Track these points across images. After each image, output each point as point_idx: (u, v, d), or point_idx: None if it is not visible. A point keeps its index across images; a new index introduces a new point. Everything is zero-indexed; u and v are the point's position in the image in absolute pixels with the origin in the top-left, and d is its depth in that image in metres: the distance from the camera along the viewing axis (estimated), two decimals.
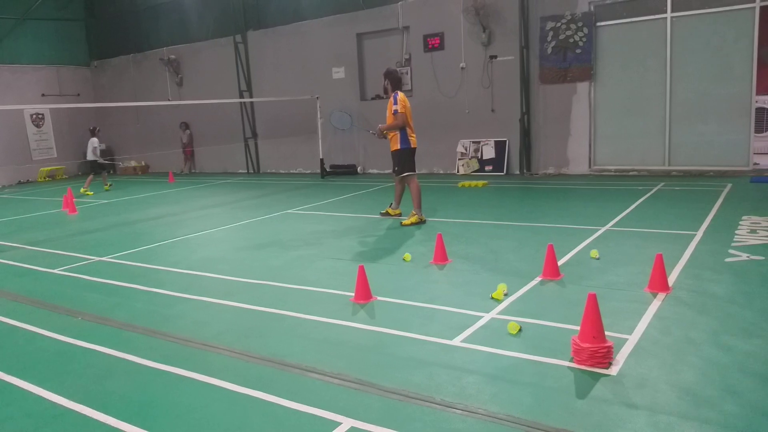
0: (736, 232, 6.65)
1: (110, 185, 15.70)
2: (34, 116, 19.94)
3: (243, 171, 18.34)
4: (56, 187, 16.18)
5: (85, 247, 8.07)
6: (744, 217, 7.34)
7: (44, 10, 20.14)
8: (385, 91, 8.37)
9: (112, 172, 15.57)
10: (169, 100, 18.98)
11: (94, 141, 14.63)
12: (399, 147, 8.16)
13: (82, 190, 14.61)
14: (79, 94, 21.24)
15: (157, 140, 19.92)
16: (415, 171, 8.32)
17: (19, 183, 19.34)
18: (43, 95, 20.02)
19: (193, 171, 19.78)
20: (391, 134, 8.20)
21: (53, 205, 12.95)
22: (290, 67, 16.61)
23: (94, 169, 14.85)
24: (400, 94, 8.11)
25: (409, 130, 8.17)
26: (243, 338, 4.39)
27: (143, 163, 20.93)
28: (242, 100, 17.15)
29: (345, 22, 15.41)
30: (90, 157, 14.69)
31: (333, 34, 15.67)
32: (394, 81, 8.26)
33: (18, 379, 3.88)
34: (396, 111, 7.97)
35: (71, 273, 6.71)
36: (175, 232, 8.85)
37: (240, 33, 17.30)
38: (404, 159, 8.21)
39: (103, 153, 21.53)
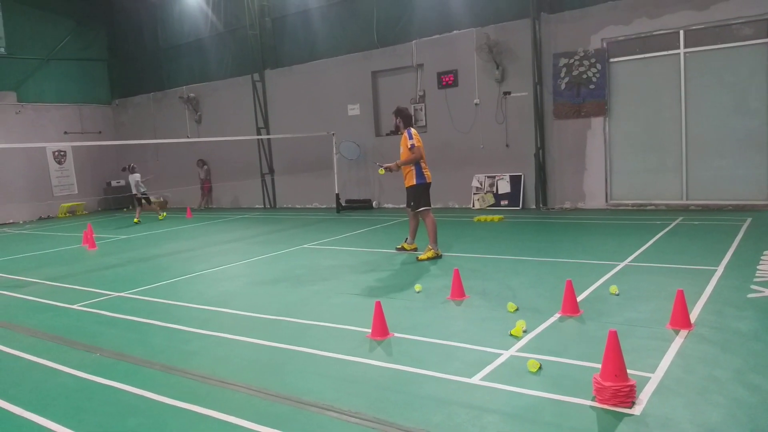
0: (758, 267, 6.56)
1: (164, 215, 17.31)
2: (56, 153, 20.39)
3: (260, 206, 18.52)
4: (76, 222, 16.40)
5: (104, 283, 8.15)
6: (765, 252, 7.23)
7: (68, 51, 20.81)
8: (397, 129, 8.52)
9: (146, 204, 16.39)
10: (188, 137, 19.36)
11: (135, 176, 15.87)
12: (415, 182, 8.22)
13: (135, 220, 16.05)
14: (100, 132, 21.76)
15: (176, 176, 20.26)
16: (430, 206, 8.36)
17: (40, 218, 19.65)
18: (65, 133, 20.52)
19: (210, 206, 20.01)
20: (407, 170, 8.26)
21: (73, 240, 13.13)
22: (306, 104, 16.91)
23: (139, 201, 16.17)
24: (413, 130, 8.27)
25: (423, 165, 8.25)
26: (261, 375, 4.37)
27: (162, 199, 21.20)
28: (259, 137, 17.42)
29: (360, 61, 15.71)
30: (133, 191, 16.11)
31: (348, 72, 15.97)
32: (406, 118, 8.43)
33: (36, 416, 3.89)
34: (413, 145, 8.08)
35: (90, 308, 6.76)
36: (192, 268, 8.91)
37: (257, 72, 17.68)
38: (420, 194, 8.26)
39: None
